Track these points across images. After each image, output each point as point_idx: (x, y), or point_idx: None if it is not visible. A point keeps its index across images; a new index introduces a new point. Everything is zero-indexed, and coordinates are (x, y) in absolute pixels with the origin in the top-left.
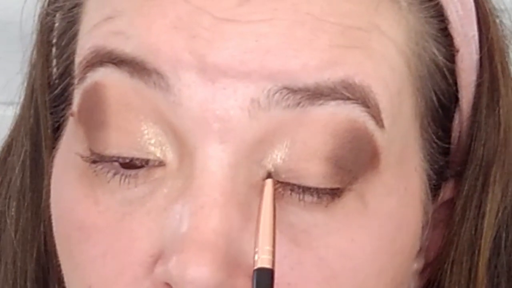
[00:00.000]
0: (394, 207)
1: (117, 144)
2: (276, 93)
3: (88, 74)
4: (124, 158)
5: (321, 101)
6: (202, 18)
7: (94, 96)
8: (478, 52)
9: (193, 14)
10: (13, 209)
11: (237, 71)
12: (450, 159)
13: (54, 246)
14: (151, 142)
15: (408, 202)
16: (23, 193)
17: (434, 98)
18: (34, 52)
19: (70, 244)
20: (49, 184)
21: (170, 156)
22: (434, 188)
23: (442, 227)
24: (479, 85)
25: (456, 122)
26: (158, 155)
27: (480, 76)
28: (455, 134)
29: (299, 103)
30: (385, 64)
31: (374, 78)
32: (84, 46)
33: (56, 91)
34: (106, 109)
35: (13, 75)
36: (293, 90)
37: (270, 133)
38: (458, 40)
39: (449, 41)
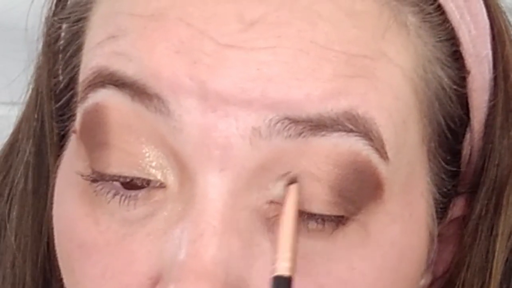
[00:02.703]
0: (397, 235)
1: (118, 164)
2: (277, 122)
3: (90, 95)
4: (125, 177)
5: (323, 132)
6: (204, 43)
7: (96, 117)
8: (491, 71)
9: (196, 39)
10: (14, 213)
11: (238, 99)
12: (460, 177)
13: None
14: (152, 164)
15: (413, 229)
16: (25, 198)
17: (443, 123)
18: (40, 59)
19: (70, 261)
20: (52, 195)
21: (171, 179)
22: (442, 210)
23: (451, 242)
24: (493, 106)
25: (466, 142)
26: (159, 177)
27: (493, 95)
28: (465, 152)
29: (301, 133)
30: (390, 94)
31: (378, 109)
32: (87, 65)
33: (61, 101)
34: (107, 131)
35: (16, 75)
36: (295, 121)
37: (271, 161)
38: (469, 61)
39: (460, 63)
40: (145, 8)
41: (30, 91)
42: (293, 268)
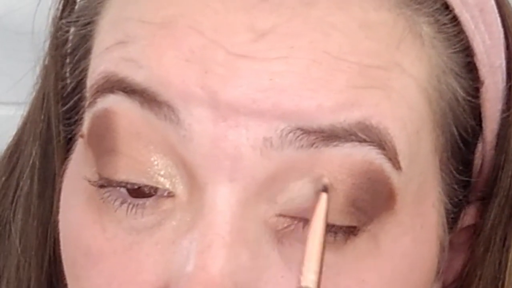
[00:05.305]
0: (408, 247)
1: (126, 170)
2: (289, 133)
3: (98, 100)
4: (132, 184)
5: (336, 143)
6: (215, 52)
7: (104, 122)
8: (505, 80)
9: (207, 48)
10: (19, 215)
11: (250, 109)
12: (472, 186)
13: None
14: (161, 173)
15: (423, 240)
16: (31, 200)
17: (456, 133)
18: (47, 61)
19: (76, 268)
20: (58, 199)
21: (180, 188)
22: (453, 219)
23: (462, 251)
24: (507, 116)
25: (478, 151)
26: (167, 186)
27: (507, 105)
28: (477, 162)
29: (313, 144)
30: (404, 104)
31: (392, 119)
32: (96, 70)
33: (68, 105)
34: (115, 137)
35: (22, 76)
36: (307, 131)
37: (282, 172)
38: (483, 72)
39: (474, 73)
40: (154, 15)
41: (35, 93)
42: (319, 281)
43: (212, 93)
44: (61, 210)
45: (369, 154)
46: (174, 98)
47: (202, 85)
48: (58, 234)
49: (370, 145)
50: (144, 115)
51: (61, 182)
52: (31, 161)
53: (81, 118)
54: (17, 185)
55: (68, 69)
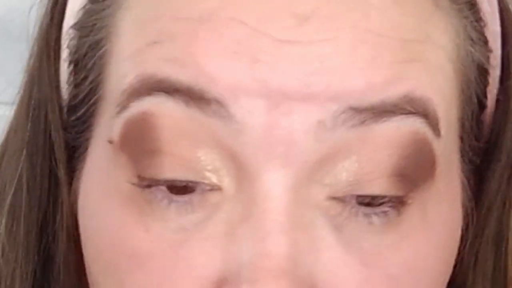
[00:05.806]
0: (447, 214)
1: (172, 169)
2: (342, 113)
3: (133, 104)
4: (180, 181)
5: (384, 118)
6: (261, 41)
7: (142, 126)
8: (501, 47)
9: (252, 37)
10: (2, 226)
11: (302, 94)
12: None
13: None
14: (208, 168)
15: (455, 207)
16: (17, 210)
17: (475, 100)
18: (37, 69)
19: (118, 273)
20: (71, 211)
21: (226, 180)
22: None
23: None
24: (508, 83)
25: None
26: (214, 180)
27: (506, 71)
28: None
29: (363, 122)
30: (440, 74)
31: (432, 89)
32: (127, 74)
33: (78, 113)
34: (157, 138)
35: (18, 76)
36: (358, 110)
37: (333, 153)
38: (490, 40)
39: (485, 42)
40: (191, 10)
41: (20, 99)
42: None
43: (263, 82)
44: (89, 218)
45: (415, 125)
46: (224, 93)
47: (252, 76)
48: (57, 242)
49: (415, 115)
50: (190, 114)
51: (68, 190)
52: (19, 169)
53: (90, 126)
54: (4, 190)
55: (71, 78)
